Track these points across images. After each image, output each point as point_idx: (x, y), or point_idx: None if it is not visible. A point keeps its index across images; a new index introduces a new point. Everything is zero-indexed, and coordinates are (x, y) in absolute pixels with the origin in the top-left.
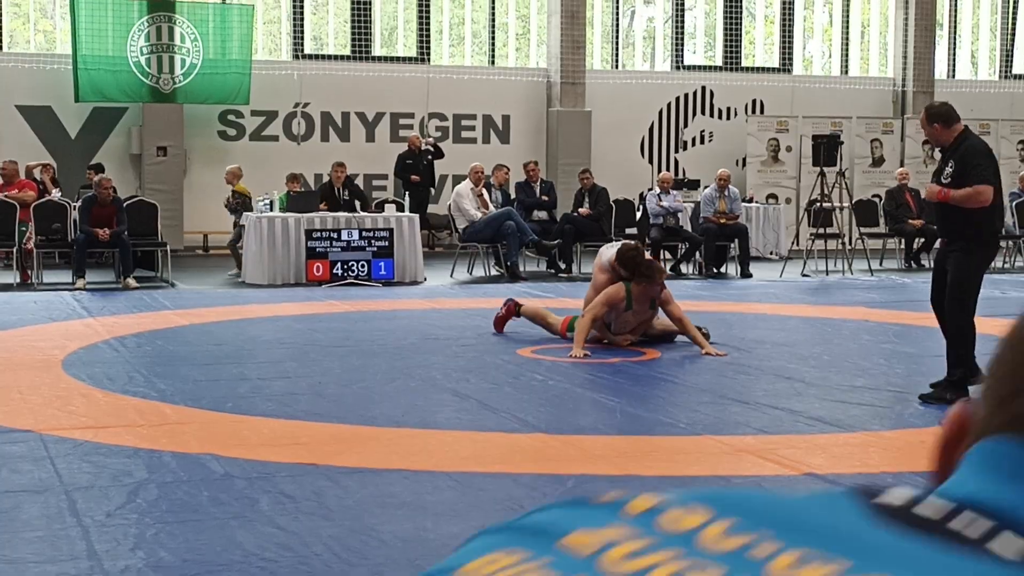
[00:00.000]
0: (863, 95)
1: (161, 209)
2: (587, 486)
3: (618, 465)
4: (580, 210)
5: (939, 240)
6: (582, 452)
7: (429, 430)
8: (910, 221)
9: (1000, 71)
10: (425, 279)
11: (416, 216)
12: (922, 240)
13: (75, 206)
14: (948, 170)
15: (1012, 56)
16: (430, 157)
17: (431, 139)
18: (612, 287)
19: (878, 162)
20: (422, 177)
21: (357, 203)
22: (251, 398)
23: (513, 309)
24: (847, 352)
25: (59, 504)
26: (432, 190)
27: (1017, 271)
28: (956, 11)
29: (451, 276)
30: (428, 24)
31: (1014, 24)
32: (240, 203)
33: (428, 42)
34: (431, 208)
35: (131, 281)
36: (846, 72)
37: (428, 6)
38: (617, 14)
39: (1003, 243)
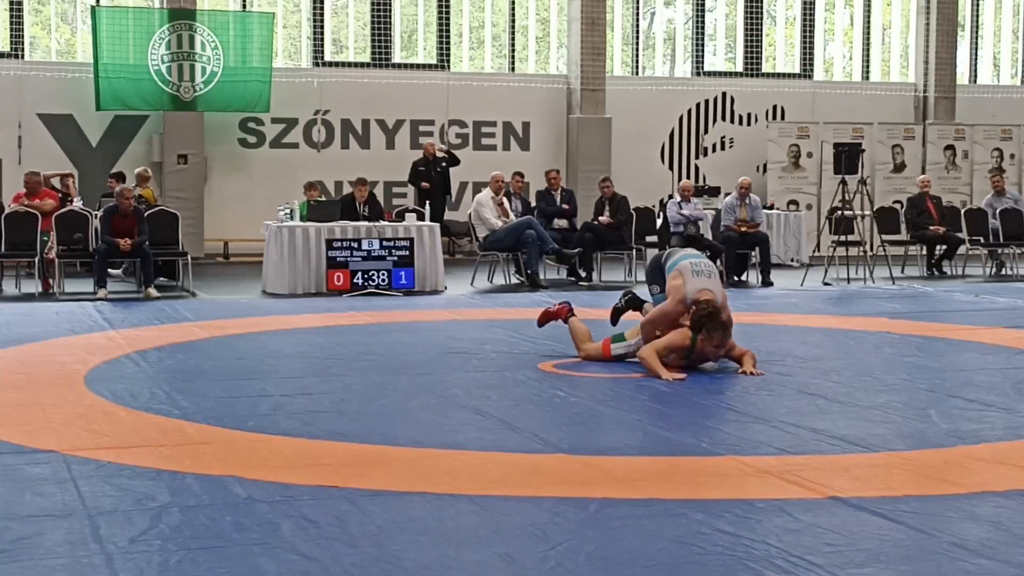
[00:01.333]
0: (884, 100)
1: (182, 217)
2: (609, 511)
3: (640, 488)
4: (600, 218)
5: None
6: (604, 474)
7: (451, 451)
8: (932, 228)
9: (1023, 75)
10: (446, 288)
11: (436, 225)
12: (944, 247)
13: (97, 215)
14: None
15: None
16: (444, 164)
17: (444, 146)
18: (678, 335)
19: (899, 168)
20: (434, 185)
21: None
22: (273, 416)
23: (566, 312)
24: (870, 366)
25: (82, 530)
26: (449, 197)
27: None
28: (978, 14)
29: (471, 284)
30: (448, 28)
31: None
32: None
33: (448, 47)
34: (451, 216)
35: (152, 291)
36: (867, 77)
37: (448, 10)
38: (637, 17)
39: None
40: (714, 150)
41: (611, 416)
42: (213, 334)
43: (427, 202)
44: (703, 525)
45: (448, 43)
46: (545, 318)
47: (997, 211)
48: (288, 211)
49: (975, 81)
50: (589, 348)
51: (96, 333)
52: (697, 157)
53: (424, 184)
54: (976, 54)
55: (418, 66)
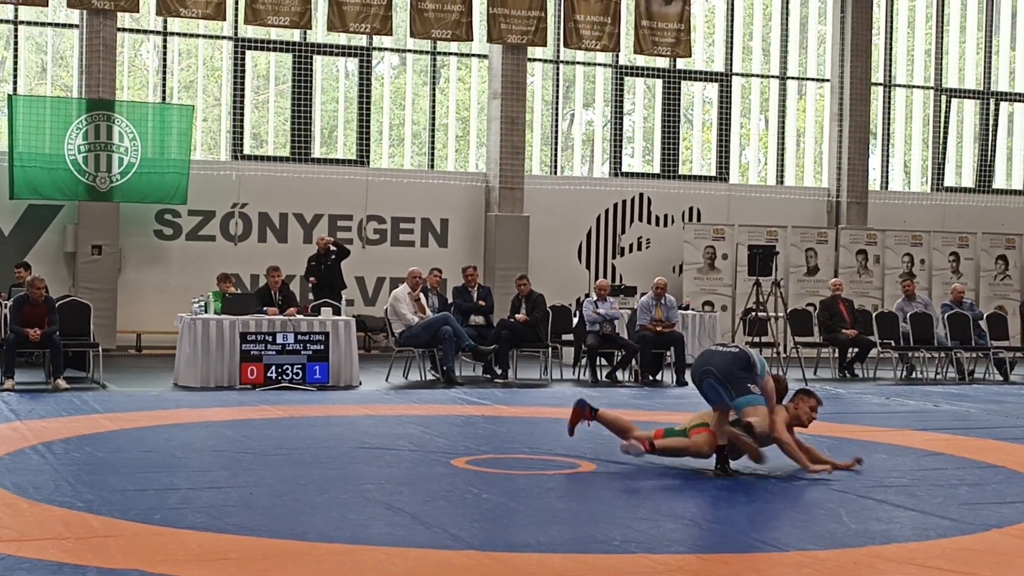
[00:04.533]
0: (798, 204)
1: (94, 308)
2: None
3: None
4: (517, 316)
5: None
6: (514, 571)
7: (360, 546)
8: (844, 331)
9: (932, 183)
10: (360, 383)
11: (352, 320)
12: (855, 350)
13: (6, 305)
14: None
15: (943, 168)
16: (334, 257)
17: (331, 240)
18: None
19: (812, 271)
20: (321, 279)
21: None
22: (180, 509)
23: (586, 413)
24: (780, 467)
25: None
26: (343, 295)
27: (949, 382)
28: (890, 123)
29: (386, 380)
30: (368, 125)
31: (945, 137)
32: None
33: (368, 144)
34: (367, 311)
35: (61, 382)
36: (782, 181)
37: (368, 107)
38: (556, 118)
39: (935, 354)
40: (631, 250)
41: (523, 512)
42: (122, 426)
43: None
44: None
45: (368, 139)
46: (574, 420)
47: (907, 315)
48: (202, 303)
49: (887, 187)
50: (640, 434)
51: (1, 424)
52: (614, 257)
53: (311, 279)
54: (887, 161)
55: (338, 161)
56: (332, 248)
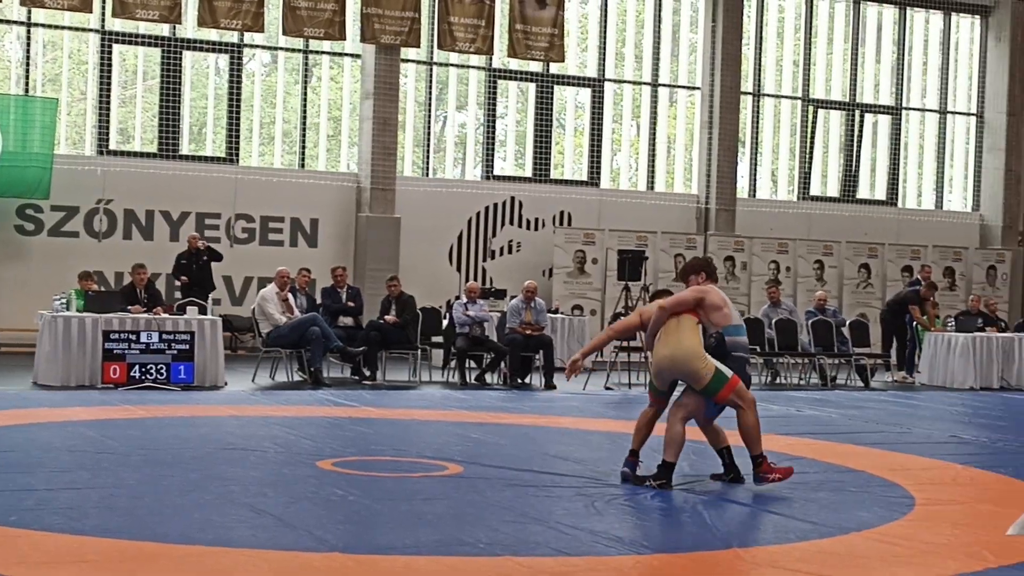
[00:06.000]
0: (668, 210)
1: None
2: None
3: None
4: (386, 317)
5: None
6: (378, 574)
7: (223, 548)
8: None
9: (799, 192)
10: (226, 383)
11: (218, 319)
12: None
13: None
14: None
15: (809, 178)
16: (205, 258)
17: (205, 241)
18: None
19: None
20: (193, 279)
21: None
22: (37, 511)
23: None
24: (649, 469)
25: None
26: (210, 296)
27: (812, 388)
28: (758, 132)
29: (253, 381)
30: (238, 123)
31: (811, 147)
32: None
33: (237, 141)
34: (234, 311)
35: None
36: (652, 187)
37: (238, 105)
38: (429, 119)
39: (799, 360)
40: (502, 253)
41: (389, 515)
42: None
43: (207, 295)
44: None
45: (238, 137)
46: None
47: (773, 321)
48: (64, 301)
49: (754, 195)
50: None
51: None
52: (485, 259)
53: (183, 278)
54: (755, 169)
55: (206, 159)
56: (203, 249)
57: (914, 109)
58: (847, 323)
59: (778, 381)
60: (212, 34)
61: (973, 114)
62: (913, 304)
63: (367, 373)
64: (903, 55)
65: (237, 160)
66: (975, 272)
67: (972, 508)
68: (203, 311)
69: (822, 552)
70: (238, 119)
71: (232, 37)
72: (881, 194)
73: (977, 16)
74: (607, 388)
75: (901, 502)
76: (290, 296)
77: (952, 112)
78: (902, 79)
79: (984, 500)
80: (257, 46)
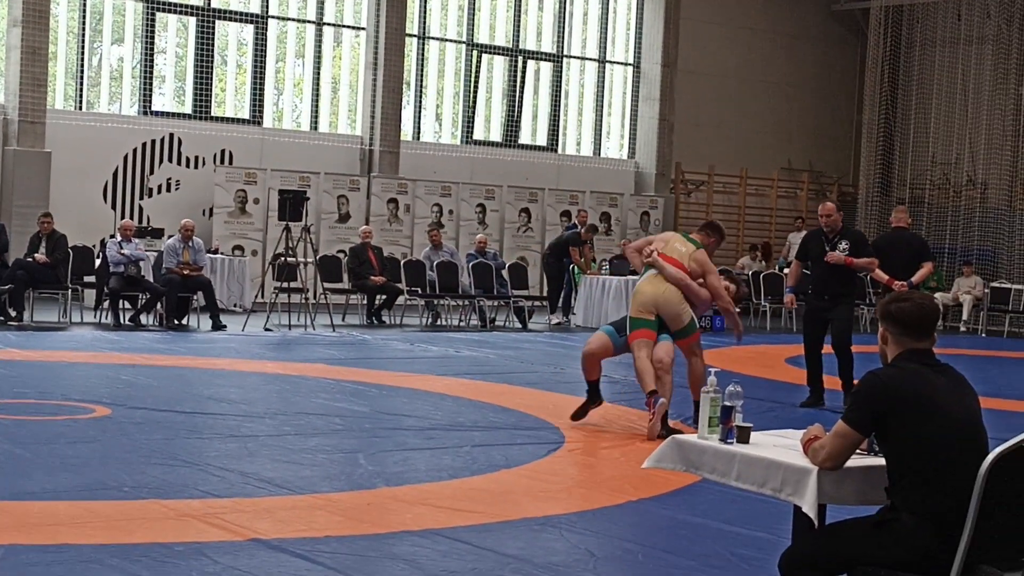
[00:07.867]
0: (332, 151)
1: None
2: (18, 558)
3: (53, 534)
4: (36, 255)
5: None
6: (16, 520)
7: None
8: (372, 278)
9: (462, 136)
10: None
11: None
12: (384, 297)
13: None
14: (843, 246)
15: (473, 122)
16: None
17: None
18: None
19: (344, 218)
20: None
21: None
22: None
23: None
24: (303, 411)
25: None
26: None
27: (472, 329)
28: (423, 75)
29: None
30: None
31: (475, 91)
32: None
33: None
34: None
35: None
36: (316, 128)
37: None
38: (83, 51)
39: (459, 302)
40: (160, 191)
41: (30, 460)
42: None
43: None
44: (117, 571)
45: None
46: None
47: (434, 264)
48: None
49: (419, 138)
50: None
51: None
52: (142, 198)
53: None
54: (420, 112)
55: None
56: None
57: (575, 57)
58: (507, 266)
59: (439, 323)
60: None
61: (630, 64)
62: (574, 247)
63: (13, 313)
64: (565, 3)
65: None
66: (630, 217)
67: (617, 444)
68: None
69: (474, 489)
70: None
71: None
72: (543, 140)
73: None
74: (267, 329)
75: (551, 440)
76: None
77: (611, 61)
78: (563, 27)
79: (628, 437)
80: None
